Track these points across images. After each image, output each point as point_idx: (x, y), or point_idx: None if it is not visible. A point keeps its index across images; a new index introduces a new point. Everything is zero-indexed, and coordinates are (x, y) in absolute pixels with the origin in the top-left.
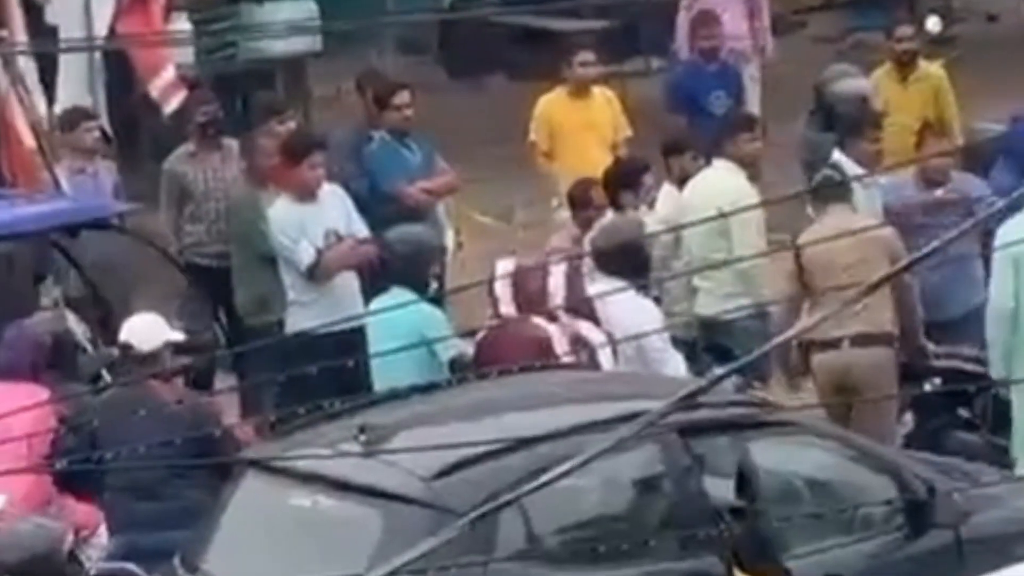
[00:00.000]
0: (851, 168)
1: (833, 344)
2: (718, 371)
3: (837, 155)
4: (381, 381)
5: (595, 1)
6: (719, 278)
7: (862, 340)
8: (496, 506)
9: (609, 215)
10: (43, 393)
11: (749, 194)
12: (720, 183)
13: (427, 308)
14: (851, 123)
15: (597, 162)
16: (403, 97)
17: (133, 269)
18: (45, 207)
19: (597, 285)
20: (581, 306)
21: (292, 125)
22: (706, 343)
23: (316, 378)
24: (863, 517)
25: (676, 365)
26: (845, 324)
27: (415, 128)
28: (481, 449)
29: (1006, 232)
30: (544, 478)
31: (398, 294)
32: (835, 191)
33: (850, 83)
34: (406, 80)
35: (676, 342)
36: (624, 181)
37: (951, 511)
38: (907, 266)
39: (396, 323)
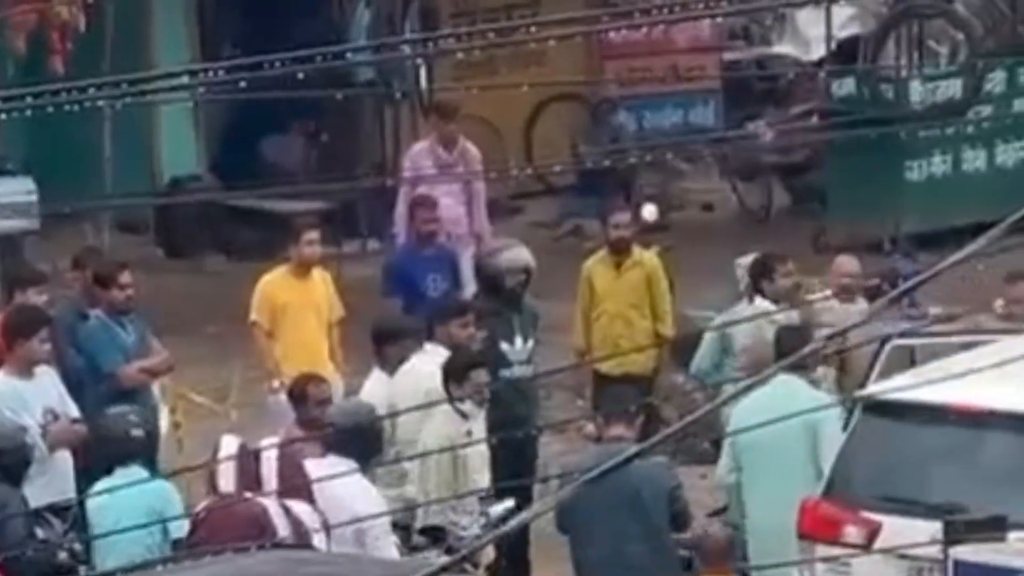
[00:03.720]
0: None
1: None
2: (430, 554)
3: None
4: (103, 558)
5: (313, 186)
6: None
7: None
8: None
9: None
10: None
11: None
12: (427, 368)
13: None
14: (511, 295)
15: (317, 341)
16: (126, 276)
17: None
18: None
19: (322, 465)
20: (300, 487)
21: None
22: (422, 525)
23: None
24: None
25: (392, 550)
26: None
27: (131, 307)
28: None
29: (738, 414)
30: None
31: (123, 473)
32: None
33: (510, 254)
34: (123, 259)
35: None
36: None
37: None
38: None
39: (124, 502)
